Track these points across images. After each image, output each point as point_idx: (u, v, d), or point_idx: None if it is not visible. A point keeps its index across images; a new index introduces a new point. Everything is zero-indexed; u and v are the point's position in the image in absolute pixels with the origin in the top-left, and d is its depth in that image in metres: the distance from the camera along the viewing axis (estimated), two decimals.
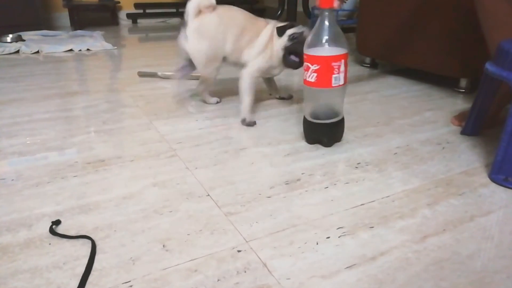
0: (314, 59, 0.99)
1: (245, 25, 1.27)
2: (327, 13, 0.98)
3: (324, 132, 1.07)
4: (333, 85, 1.00)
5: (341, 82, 1.01)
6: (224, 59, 1.30)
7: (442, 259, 0.67)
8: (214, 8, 1.25)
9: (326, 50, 0.98)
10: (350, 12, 2.27)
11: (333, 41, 0.98)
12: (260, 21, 1.30)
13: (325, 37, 0.98)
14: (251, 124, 1.22)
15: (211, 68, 1.28)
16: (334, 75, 0.99)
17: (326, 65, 0.98)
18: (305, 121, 1.08)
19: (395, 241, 0.71)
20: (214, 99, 1.44)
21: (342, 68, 1.00)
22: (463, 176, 0.94)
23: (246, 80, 1.24)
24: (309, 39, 1.01)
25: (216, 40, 1.24)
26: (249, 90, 1.24)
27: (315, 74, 1.00)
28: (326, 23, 0.98)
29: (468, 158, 1.02)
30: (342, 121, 1.08)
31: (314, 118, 1.05)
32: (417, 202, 0.83)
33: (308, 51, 1.00)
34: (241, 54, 1.27)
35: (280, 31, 1.22)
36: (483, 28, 1.10)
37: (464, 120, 1.19)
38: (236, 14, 1.29)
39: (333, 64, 0.98)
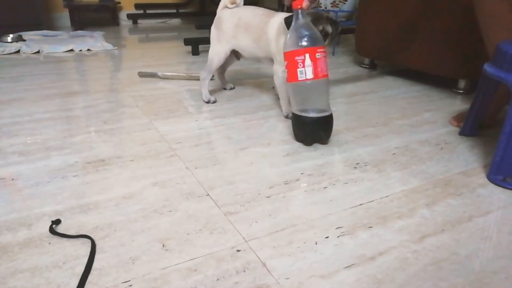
0: (285, 57, 1.06)
1: (250, 23, 1.30)
2: (299, 13, 1.03)
3: (322, 127, 1.08)
4: (299, 79, 1.03)
5: (308, 75, 1.02)
6: (237, 54, 1.43)
7: (441, 259, 0.67)
8: (237, 5, 1.36)
9: (295, 47, 1.03)
10: (349, 13, 2.28)
11: (304, 39, 1.02)
12: (265, 16, 1.29)
13: (297, 36, 1.03)
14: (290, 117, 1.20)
15: (215, 54, 1.43)
16: (298, 69, 1.02)
17: (291, 60, 1.04)
18: (301, 120, 1.08)
19: (393, 241, 0.71)
20: (229, 85, 1.59)
21: (308, 62, 1.02)
22: (462, 176, 0.94)
23: (278, 76, 1.26)
24: (287, 41, 1.05)
25: (222, 33, 1.37)
26: (284, 84, 1.23)
27: (286, 71, 1.06)
28: (299, 22, 1.03)
29: (466, 159, 1.03)
30: (332, 115, 1.09)
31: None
32: (415, 202, 0.83)
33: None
34: (254, 50, 1.33)
35: (288, 23, 1.17)
36: (481, 29, 1.10)
37: (462, 120, 1.19)
38: (245, 13, 1.33)
39: (296, 58, 1.02)
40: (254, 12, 1.32)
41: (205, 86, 1.46)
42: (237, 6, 1.36)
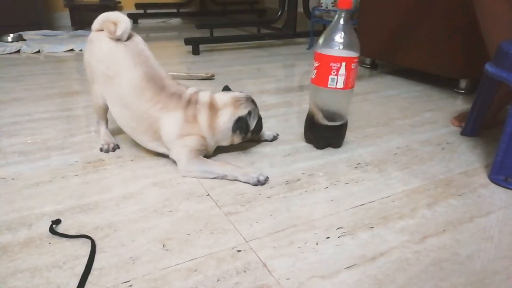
0: (317, 56, 0.99)
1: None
2: (343, 14, 0.97)
3: (334, 134, 1.06)
4: (328, 86, 0.98)
5: (339, 85, 0.98)
6: None
7: (442, 259, 0.67)
8: (119, 38, 0.99)
9: (331, 50, 0.97)
10: (350, 13, 2.27)
11: (342, 43, 0.97)
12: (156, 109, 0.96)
13: (336, 38, 0.97)
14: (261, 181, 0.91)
15: (93, 97, 1.05)
16: (330, 76, 0.98)
17: (324, 64, 0.98)
18: (317, 125, 1.05)
19: (395, 241, 0.71)
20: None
21: (342, 71, 0.97)
22: (463, 176, 0.94)
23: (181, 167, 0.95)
24: (323, 38, 0.99)
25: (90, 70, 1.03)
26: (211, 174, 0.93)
27: (315, 71, 1.01)
28: (341, 23, 0.97)
29: (467, 159, 1.02)
30: (346, 123, 1.07)
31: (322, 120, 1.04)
32: (417, 202, 0.83)
33: (316, 49, 1.00)
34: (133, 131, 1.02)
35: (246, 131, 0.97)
36: (482, 29, 1.10)
37: (464, 121, 1.19)
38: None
39: (332, 64, 0.97)
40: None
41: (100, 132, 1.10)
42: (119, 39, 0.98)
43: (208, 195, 0.85)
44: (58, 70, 1.87)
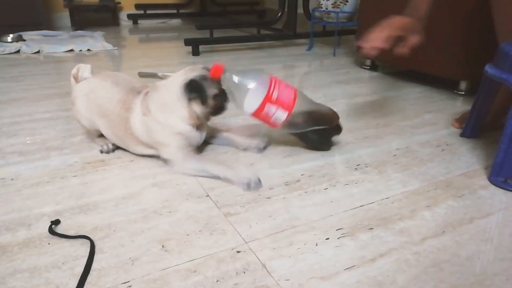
0: (252, 117, 0.98)
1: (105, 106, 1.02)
2: (225, 77, 0.93)
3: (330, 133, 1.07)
4: (280, 126, 0.97)
5: (283, 117, 0.95)
6: None
7: (442, 261, 0.67)
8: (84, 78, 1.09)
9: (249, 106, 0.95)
10: (351, 14, 2.27)
11: (253, 93, 0.94)
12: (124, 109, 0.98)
13: (245, 93, 0.93)
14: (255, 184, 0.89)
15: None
16: (271, 120, 0.96)
17: (260, 118, 0.97)
18: (317, 132, 1.02)
19: (394, 242, 0.71)
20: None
21: (273, 109, 0.94)
22: (463, 178, 0.94)
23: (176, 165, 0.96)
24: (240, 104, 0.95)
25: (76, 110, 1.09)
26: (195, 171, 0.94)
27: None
28: (232, 82, 0.93)
29: (467, 160, 1.02)
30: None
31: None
32: (416, 204, 0.83)
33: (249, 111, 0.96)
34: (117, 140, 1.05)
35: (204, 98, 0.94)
36: (496, 23, 1.08)
37: (465, 122, 1.19)
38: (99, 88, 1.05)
39: (262, 114, 0.95)
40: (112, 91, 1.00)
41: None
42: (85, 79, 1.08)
43: (208, 195, 0.85)
44: (58, 71, 1.87)
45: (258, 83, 0.93)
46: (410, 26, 1.04)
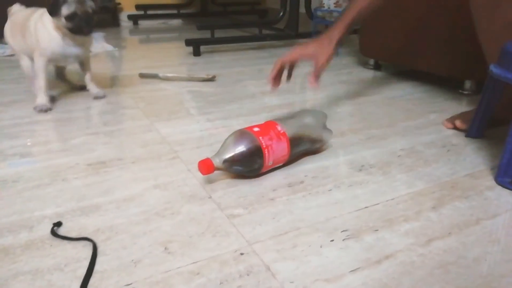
0: None
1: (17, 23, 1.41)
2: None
3: None
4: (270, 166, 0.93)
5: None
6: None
7: (448, 262, 0.66)
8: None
9: None
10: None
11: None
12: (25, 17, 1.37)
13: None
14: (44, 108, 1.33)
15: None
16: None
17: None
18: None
19: (400, 244, 0.70)
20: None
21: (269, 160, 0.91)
22: (469, 178, 0.93)
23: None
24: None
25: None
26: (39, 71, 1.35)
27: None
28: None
29: (473, 161, 1.01)
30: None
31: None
32: (422, 205, 0.82)
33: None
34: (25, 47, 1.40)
35: (54, 12, 1.24)
36: (480, 39, 1.09)
37: (455, 123, 1.18)
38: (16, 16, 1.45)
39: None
40: (22, 13, 1.41)
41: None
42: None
43: (210, 197, 0.84)
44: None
45: (251, 162, 0.89)
46: (316, 50, 1.07)
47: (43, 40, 1.30)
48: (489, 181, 0.92)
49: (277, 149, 0.91)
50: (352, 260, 0.66)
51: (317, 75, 1.03)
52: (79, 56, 1.39)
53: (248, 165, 0.90)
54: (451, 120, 1.22)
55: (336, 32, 1.13)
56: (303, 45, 1.12)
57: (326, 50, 1.08)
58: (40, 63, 1.33)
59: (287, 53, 1.08)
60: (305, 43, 1.11)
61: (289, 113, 1.00)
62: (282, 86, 1.26)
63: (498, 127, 1.14)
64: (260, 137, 0.89)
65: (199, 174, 0.92)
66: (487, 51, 1.11)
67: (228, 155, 0.88)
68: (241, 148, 0.88)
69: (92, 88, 1.49)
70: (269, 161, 0.91)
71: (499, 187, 0.89)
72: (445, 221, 0.77)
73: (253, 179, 0.91)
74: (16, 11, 1.44)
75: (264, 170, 0.92)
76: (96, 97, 1.48)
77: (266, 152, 0.89)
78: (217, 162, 0.87)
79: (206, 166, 0.86)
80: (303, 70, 1.99)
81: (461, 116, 1.21)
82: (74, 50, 1.34)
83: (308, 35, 2.51)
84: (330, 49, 1.08)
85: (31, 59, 1.39)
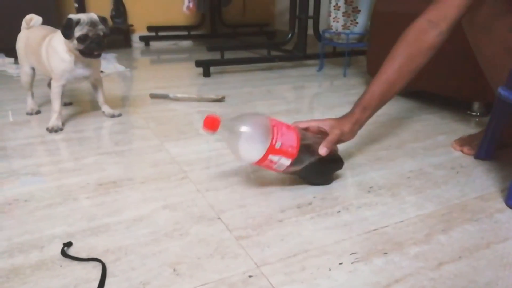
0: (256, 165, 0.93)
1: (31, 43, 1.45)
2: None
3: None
4: (284, 171, 0.93)
5: (287, 163, 0.90)
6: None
7: (459, 287, 0.65)
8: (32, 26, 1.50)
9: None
10: (361, 36, 2.29)
11: (254, 145, 0.89)
12: (40, 38, 1.41)
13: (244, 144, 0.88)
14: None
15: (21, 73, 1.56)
16: (275, 166, 0.91)
17: (264, 165, 0.91)
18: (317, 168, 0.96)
19: (410, 268, 0.69)
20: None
21: (276, 158, 0.89)
22: (478, 201, 0.92)
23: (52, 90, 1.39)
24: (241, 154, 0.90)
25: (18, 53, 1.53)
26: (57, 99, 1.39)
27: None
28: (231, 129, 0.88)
29: (483, 183, 1.01)
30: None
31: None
32: (431, 227, 0.81)
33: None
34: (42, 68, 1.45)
35: (67, 33, 1.27)
36: (483, 69, 1.10)
37: (465, 144, 1.18)
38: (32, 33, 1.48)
39: (266, 163, 0.90)
40: (36, 33, 1.44)
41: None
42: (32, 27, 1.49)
43: (219, 218, 0.84)
44: (71, 92, 1.90)
45: (258, 132, 0.88)
46: (335, 124, 0.98)
47: (56, 66, 1.34)
48: (500, 203, 0.91)
49: (286, 136, 0.89)
50: (362, 284, 0.66)
51: (326, 146, 0.94)
52: (89, 77, 1.43)
53: (253, 139, 0.88)
54: (460, 142, 1.22)
55: (362, 115, 1.03)
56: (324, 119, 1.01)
57: (343, 127, 0.97)
58: (56, 89, 1.37)
59: (304, 121, 1.01)
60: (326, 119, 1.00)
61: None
62: (290, 107, 1.27)
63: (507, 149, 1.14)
64: (271, 119, 0.91)
65: (208, 195, 0.93)
66: (489, 76, 1.12)
67: (236, 121, 0.88)
68: (250, 118, 0.90)
69: (106, 109, 1.52)
70: (276, 142, 0.86)
71: (510, 210, 0.88)
72: (455, 245, 0.76)
73: (261, 200, 0.91)
74: (33, 29, 1.47)
75: (269, 151, 0.87)
76: (113, 116, 1.51)
77: (275, 130, 0.87)
78: (225, 124, 0.87)
79: (212, 123, 0.86)
80: (311, 91, 2.01)
81: (469, 140, 1.21)
82: (83, 71, 1.38)
83: (316, 56, 2.54)
84: (348, 127, 0.98)
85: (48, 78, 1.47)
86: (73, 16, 1.27)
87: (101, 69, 2.41)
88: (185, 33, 3.76)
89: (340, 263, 0.70)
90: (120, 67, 2.49)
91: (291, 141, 0.89)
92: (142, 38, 3.61)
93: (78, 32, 1.26)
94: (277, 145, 0.87)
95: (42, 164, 1.10)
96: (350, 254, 0.73)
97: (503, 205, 0.90)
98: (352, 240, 0.77)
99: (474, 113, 1.57)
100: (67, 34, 1.26)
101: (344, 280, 0.66)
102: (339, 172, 1.04)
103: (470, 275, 0.68)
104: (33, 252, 0.73)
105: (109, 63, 2.57)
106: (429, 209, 0.88)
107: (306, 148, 0.92)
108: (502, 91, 0.95)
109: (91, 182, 1.00)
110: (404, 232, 0.80)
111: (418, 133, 1.37)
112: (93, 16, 1.31)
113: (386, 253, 0.73)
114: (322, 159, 0.94)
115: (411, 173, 1.06)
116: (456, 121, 1.50)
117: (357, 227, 0.81)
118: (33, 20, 1.49)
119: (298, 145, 0.90)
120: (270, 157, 0.88)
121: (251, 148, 0.88)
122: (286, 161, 0.90)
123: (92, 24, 1.29)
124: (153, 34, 3.67)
